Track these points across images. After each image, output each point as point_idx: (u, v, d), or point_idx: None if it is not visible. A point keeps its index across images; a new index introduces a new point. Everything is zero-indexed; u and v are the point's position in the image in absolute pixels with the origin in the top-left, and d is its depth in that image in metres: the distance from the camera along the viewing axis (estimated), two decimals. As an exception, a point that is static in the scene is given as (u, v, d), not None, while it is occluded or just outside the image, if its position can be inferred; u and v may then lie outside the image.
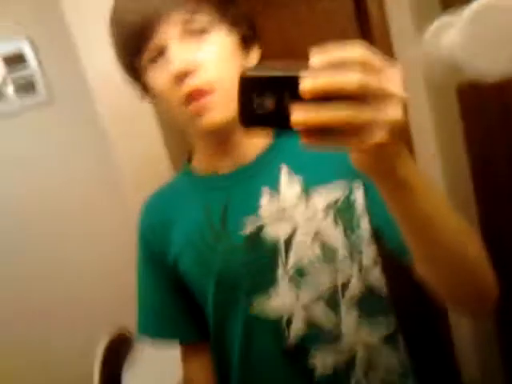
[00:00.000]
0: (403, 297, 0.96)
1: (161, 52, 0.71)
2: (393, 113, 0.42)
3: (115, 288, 1.72)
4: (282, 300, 0.78)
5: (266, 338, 0.80)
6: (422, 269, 0.64)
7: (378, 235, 0.79)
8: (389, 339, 0.83)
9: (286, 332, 0.78)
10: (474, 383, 1.84)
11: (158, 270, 0.88)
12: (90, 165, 1.84)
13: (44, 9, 1.67)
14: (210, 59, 0.71)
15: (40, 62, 1.79)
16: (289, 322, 0.78)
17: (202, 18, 0.71)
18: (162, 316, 0.91)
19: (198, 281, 0.83)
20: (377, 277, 0.81)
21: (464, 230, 0.59)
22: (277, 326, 0.78)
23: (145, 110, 1.38)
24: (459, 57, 0.35)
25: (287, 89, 0.42)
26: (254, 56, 0.80)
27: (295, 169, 0.79)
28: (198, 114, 0.72)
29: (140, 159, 1.44)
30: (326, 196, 0.77)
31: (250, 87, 0.43)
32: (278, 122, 0.43)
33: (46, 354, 1.93)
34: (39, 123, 1.83)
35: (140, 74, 0.77)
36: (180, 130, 0.87)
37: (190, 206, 0.84)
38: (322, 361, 0.79)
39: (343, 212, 0.77)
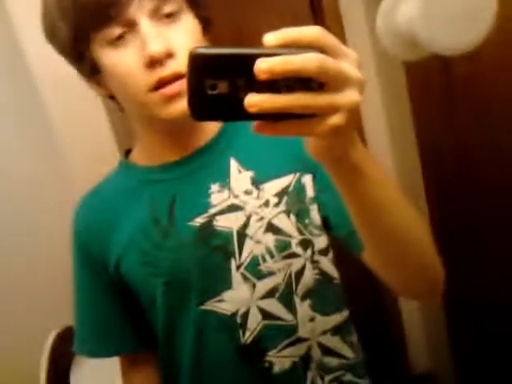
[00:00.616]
0: (353, 285, 0.96)
1: (128, 28, 0.65)
2: (351, 96, 0.41)
3: (62, 282, 1.65)
4: (236, 295, 0.75)
5: (220, 336, 0.77)
6: (372, 255, 0.65)
7: (326, 224, 0.78)
8: (342, 328, 0.83)
9: (241, 329, 0.76)
10: (424, 373, 1.89)
11: (96, 276, 0.82)
12: (35, 148, 1.73)
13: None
14: (185, 43, 0.66)
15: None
16: (244, 318, 0.76)
17: (173, 3, 0.67)
18: (99, 332, 0.86)
19: (145, 282, 0.78)
20: (329, 265, 0.81)
21: (413, 215, 0.60)
22: (231, 323, 0.76)
23: (91, 97, 1.32)
24: (418, 32, 0.34)
25: (241, 69, 0.38)
26: (207, 41, 0.76)
27: (245, 163, 0.76)
28: (170, 99, 0.66)
29: (86, 142, 1.38)
30: (276, 185, 0.76)
31: (201, 67, 0.39)
32: (232, 109, 0.39)
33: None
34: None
35: (88, 55, 0.69)
36: (124, 117, 0.82)
37: (131, 202, 0.79)
38: (279, 356, 0.77)
39: (294, 198, 0.76)
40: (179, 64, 0.65)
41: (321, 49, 0.39)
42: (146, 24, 0.64)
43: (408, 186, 1.76)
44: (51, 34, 0.71)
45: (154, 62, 0.64)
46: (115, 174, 0.86)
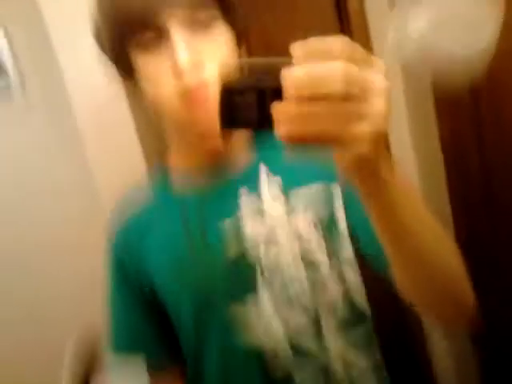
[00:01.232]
0: (383, 321, 0.95)
1: (161, 36, 0.67)
2: (378, 105, 0.41)
3: (84, 295, 1.67)
4: (261, 300, 0.76)
5: (249, 367, 0.77)
6: (397, 274, 0.63)
7: (354, 238, 0.78)
8: (374, 360, 0.82)
9: (271, 361, 0.75)
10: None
11: (133, 293, 0.84)
12: (65, 170, 1.78)
13: (23, 9, 1.61)
14: (216, 53, 0.68)
15: (13, 51, 1.73)
16: (274, 349, 0.75)
17: (207, 12, 0.68)
18: (135, 338, 0.87)
19: (175, 290, 0.80)
20: (353, 275, 0.80)
21: (442, 237, 0.59)
22: (261, 355, 0.76)
23: (123, 117, 1.36)
24: (428, 45, 0.35)
25: (268, 80, 0.40)
26: (241, 55, 0.78)
27: (274, 170, 0.78)
28: (194, 106, 0.68)
29: (114, 156, 1.41)
30: (304, 193, 0.77)
31: (231, 83, 0.41)
32: (258, 118, 0.41)
33: (14, 362, 1.86)
34: (15, 127, 1.76)
35: (127, 58, 0.71)
36: (157, 126, 0.84)
37: (165, 219, 0.81)
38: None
39: (322, 207, 0.77)
40: (207, 74, 0.67)
41: (347, 58, 0.39)
42: (176, 32, 0.66)
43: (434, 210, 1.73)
44: (97, 37, 0.75)
45: (181, 71, 0.66)
46: (150, 192, 0.87)
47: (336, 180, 0.77)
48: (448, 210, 1.78)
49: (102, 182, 1.43)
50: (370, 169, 0.46)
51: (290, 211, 0.76)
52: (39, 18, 1.33)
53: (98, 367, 1.49)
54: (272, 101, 0.39)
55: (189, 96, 0.67)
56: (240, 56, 0.77)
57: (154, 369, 0.87)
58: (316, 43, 0.40)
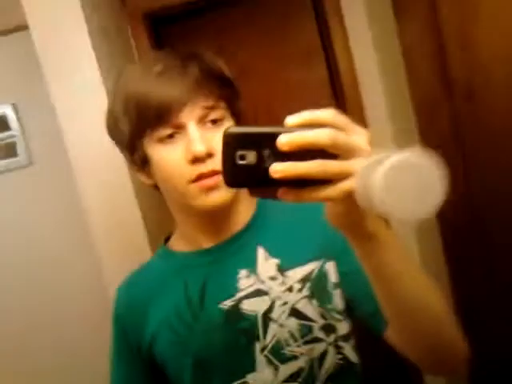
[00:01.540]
0: (376, 371, 0.95)
1: (178, 130, 0.75)
2: (360, 164, 0.46)
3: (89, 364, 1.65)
4: (260, 377, 0.78)
5: None
6: (394, 331, 0.68)
7: (350, 306, 0.81)
8: None
9: None
10: None
11: (132, 355, 0.87)
12: (65, 228, 1.83)
13: (28, 77, 1.71)
14: None
15: (22, 127, 1.82)
16: None
17: (218, 111, 0.77)
18: None
19: (175, 361, 0.82)
20: (351, 351, 0.82)
21: (431, 286, 0.62)
22: None
23: (123, 179, 1.40)
24: (374, 197, 0.41)
25: (267, 144, 0.45)
26: None
27: (271, 251, 0.82)
28: (207, 190, 0.75)
29: (116, 226, 1.44)
30: (300, 272, 0.80)
31: (232, 142, 0.46)
32: (259, 176, 0.46)
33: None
34: (18, 185, 1.84)
35: (143, 148, 0.79)
36: (161, 206, 0.88)
37: (167, 285, 0.85)
38: None
39: (317, 283, 0.80)
40: (218, 163, 0.73)
41: (334, 126, 0.45)
42: (193, 128, 0.75)
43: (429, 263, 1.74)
44: (113, 127, 0.81)
45: (196, 160, 0.74)
46: (155, 258, 0.93)
47: (329, 257, 0.81)
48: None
49: (103, 252, 1.45)
50: (356, 220, 0.51)
51: (288, 290, 0.79)
52: (47, 92, 1.41)
53: None
54: (270, 161, 0.45)
55: (202, 181, 0.75)
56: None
57: None
58: (308, 114, 0.45)
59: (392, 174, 0.41)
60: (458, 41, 1.60)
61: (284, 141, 0.43)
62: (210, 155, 0.74)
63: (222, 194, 0.76)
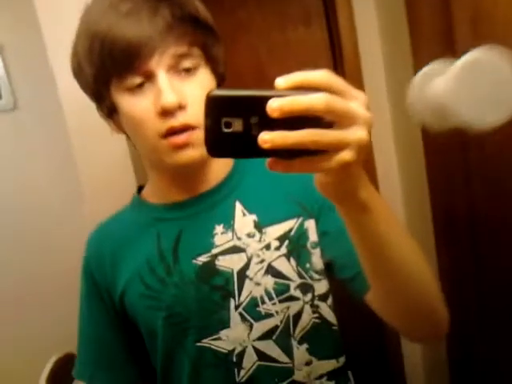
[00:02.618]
0: (353, 330, 0.97)
1: (147, 79, 0.70)
2: (358, 133, 0.43)
3: (66, 305, 1.65)
4: (233, 334, 0.77)
5: (215, 374, 0.78)
6: (375, 295, 0.67)
7: (330, 267, 0.80)
8: (338, 374, 0.83)
9: (237, 368, 0.77)
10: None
11: (101, 305, 0.85)
12: (51, 172, 1.79)
13: (16, 13, 1.64)
14: (198, 98, 0.70)
15: (8, 69, 1.75)
16: (240, 357, 0.77)
17: (192, 58, 0.72)
18: (101, 361, 0.87)
19: (146, 314, 0.80)
20: (328, 311, 0.82)
21: (419, 256, 0.61)
22: (227, 361, 0.77)
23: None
24: (447, 106, 0.37)
25: (255, 109, 0.41)
26: None
27: (249, 207, 0.79)
28: (178, 148, 0.70)
29: (104, 171, 1.41)
30: (278, 229, 0.78)
31: (217, 108, 0.42)
32: (246, 146, 0.42)
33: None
34: (1, 130, 1.78)
35: (108, 97, 0.74)
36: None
37: (140, 237, 0.82)
38: None
39: (296, 241, 0.78)
40: (189, 116, 0.70)
41: (329, 90, 0.42)
42: (163, 77, 0.69)
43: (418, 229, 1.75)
44: (77, 71, 0.76)
45: (166, 112, 0.69)
46: (128, 208, 0.90)
47: (309, 215, 0.79)
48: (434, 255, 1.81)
49: (92, 199, 1.43)
50: (348, 191, 0.49)
51: (265, 247, 0.78)
52: (37, 34, 1.35)
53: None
54: (258, 130, 0.41)
55: (173, 137, 0.70)
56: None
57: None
58: (300, 75, 0.42)
59: (463, 74, 0.36)
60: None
61: (274, 106, 0.40)
62: (181, 107, 0.69)
63: (194, 152, 0.71)
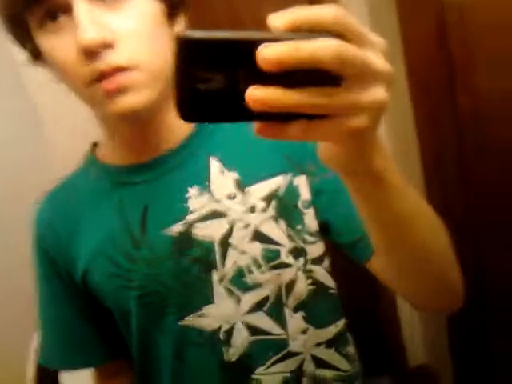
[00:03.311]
0: (349, 291, 0.92)
1: (63, 12, 0.56)
2: (377, 93, 0.33)
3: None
4: (219, 310, 0.68)
5: (201, 353, 0.70)
6: (387, 267, 0.59)
7: (326, 230, 0.71)
8: (338, 339, 0.76)
9: (225, 346, 0.69)
10: (421, 366, 1.87)
11: (61, 285, 0.74)
12: (18, 133, 1.67)
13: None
14: (130, 30, 0.57)
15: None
16: (228, 335, 0.69)
17: None
18: (66, 345, 0.78)
19: (116, 295, 0.71)
20: (324, 274, 0.73)
21: (438, 227, 0.54)
22: (213, 340, 0.69)
23: None
24: None
25: (241, 59, 0.30)
26: (180, 26, 0.66)
27: (227, 163, 0.68)
28: (112, 94, 0.57)
29: (70, 132, 1.33)
30: (264, 188, 0.68)
31: (190, 56, 0.31)
32: (228, 107, 0.32)
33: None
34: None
35: (30, 37, 0.60)
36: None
37: (99, 205, 0.71)
38: (268, 373, 0.71)
39: (285, 201, 0.69)
40: (120, 55, 0.57)
41: (340, 34, 0.32)
42: (81, 7, 0.55)
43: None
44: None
45: (88, 53, 0.55)
46: (81, 171, 0.77)
47: (299, 170, 0.69)
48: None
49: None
50: (361, 164, 0.39)
51: (249, 210, 0.68)
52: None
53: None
54: (245, 86, 0.31)
55: (103, 85, 0.57)
56: (180, 26, 0.65)
57: (93, 365, 0.81)
58: (302, 13, 0.31)
59: None
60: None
61: (267, 55, 0.29)
62: (106, 45, 0.55)
63: (132, 98, 0.58)
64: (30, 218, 0.78)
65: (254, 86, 0.30)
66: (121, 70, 0.57)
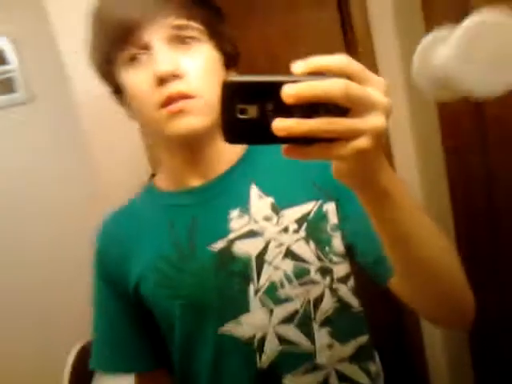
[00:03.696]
0: (374, 311, 0.96)
1: (144, 50, 0.71)
2: (376, 120, 0.42)
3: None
4: (254, 320, 0.76)
5: (237, 360, 0.78)
6: (400, 282, 0.65)
7: (351, 252, 0.79)
8: (360, 356, 0.82)
9: (258, 354, 0.76)
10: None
11: (115, 295, 0.84)
12: (67, 166, 1.80)
13: (27, 7, 1.64)
14: (195, 68, 0.71)
15: (21, 61, 1.76)
16: (261, 343, 0.76)
17: (192, 29, 0.72)
18: (116, 350, 0.87)
19: (163, 304, 0.80)
20: (348, 293, 0.81)
21: (443, 242, 0.60)
22: (248, 348, 0.77)
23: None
24: (451, 73, 0.36)
25: (270, 95, 0.41)
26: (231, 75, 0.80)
27: (265, 189, 0.78)
28: (175, 115, 0.70)
29: (119, 162, 1.42)
30: (296, 212, 0.77)
31: (232, 94, 0.42)
32: (261, 133, 0.41)
33: (14, 359, 1.87)
34: (17, 122, 1.79)
35: (114, 74, 0.75)
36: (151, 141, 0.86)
37: (152, 225, 0.82)
38: (296, 383, 0.77)
39: (315, 225, 0.77)
40: (186, 85, 0.70)
41: (347, 75, 0.41)
42: (158, 46, 0.70)
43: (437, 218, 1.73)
44: (91, 57, 0.77)
45: (162, 80, 0.69)
46: (139, 196, 0.89)
47: (328, 197, 0.78)
48: (450, 220, 1.79)
49: (107, 190, 1.44)
50: (367, 178, 0.48)
51: (283, 230, 0.77)
52: (47, 25, 1.35)
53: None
54: (273, 116, 0.41)
55: (170, 107, 0.70)
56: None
57: (139, 370, 0.89)
58: (317, 61, 0.41)
59: (466, 40, 0.35)
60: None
61: (289, 92, 0.39)
62: (176, 76, 0.69)
63: (192, 120, 0.71)
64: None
65: (279, 118, 0.40)
66: (185, 97, 0.70)
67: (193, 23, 0.72)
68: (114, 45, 0.71)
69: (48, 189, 1.81)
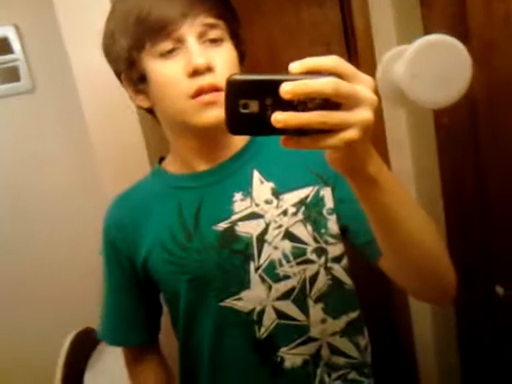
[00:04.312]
0: (365, 288, 1.03)
1: (178, 44, 0.76)
2: (364, 114, 0.47)
3: (86, 280, 1.70)
4: (253, 294, 0.82)
5: (237, 331, 0.84)
6: (388, 261, 0.72)
7: (345, 233, 0.85)
8: (350, 330, 0.88)
9: (257, 326, 0.83)
10: (430, 379, 1.89)
11: (123, 271, 0.91)
12: (69, 155, 1.82)
13: (34, 7, 1.66)
14: (223, 63, 0.77)
15: (25, 50, 1.77)
16: (260, 316, 0.83)
17: (218, 30, 0.78)
18: (121, 324, 0.95)
19: (169, 278, 0.86)
20: (341, 272, 0.87)
21: (428, 224, 0.65)
22: (247, 319, 0.83)
23: (128, 104, 1.37)
24: (403, 86, 0.41)
25: (269, 92, 0.45)
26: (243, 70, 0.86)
27: (266, 175, 0.84)
28: (206, 106, 0.75)
29: (120, 152, 1.44)
30: (295, 196, 0.83)
31: (236, 90, 0.47)
32: (261, 125, 0.46)
33: (11, 342, 1.89)
34: (21, 111, 1.80)
35: (140, 64, 0.79)
36: (159, 128, 0.88)
37: (160, 205, 0.87)
38: (291, 353, 0.84)
39: (312, 208, 0.83)
40: (216, 78, 0.75)
41: (338, 74, 0.46)
42: (193, 41, 0.76)
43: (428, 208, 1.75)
44: (111, 43, 0.81)
45: (196, 72, 0.74)
46: (148, 178, 0.95)
47: (325, 183, 0.84)
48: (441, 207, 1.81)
49: (106, 179, 1.46)
50: (356, 166, 0.53)
51: (282, 213, 0.82)
52: (50, 14, 1.37)
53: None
54: (272, 110, 0.45)
55: (202, 97, 0.75)
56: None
57: (144, 343, 0.97)
58: (312, 61, 0.46)
59: (418, 56, 0.40)
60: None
61: (287, 89, 0.44)
62: (209, 69, 0.74)
63: (220, 112, 0.74)
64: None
65: (277, 112, 0.45)
66: (215, 89, 0.75)
67: (220, 23, 0.78)
68: (148, 36, 0.76)
69: (52, 177, 1.83)
